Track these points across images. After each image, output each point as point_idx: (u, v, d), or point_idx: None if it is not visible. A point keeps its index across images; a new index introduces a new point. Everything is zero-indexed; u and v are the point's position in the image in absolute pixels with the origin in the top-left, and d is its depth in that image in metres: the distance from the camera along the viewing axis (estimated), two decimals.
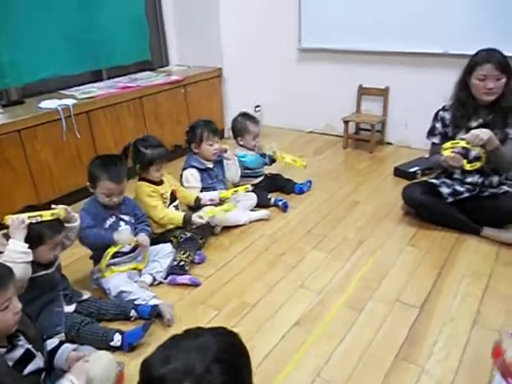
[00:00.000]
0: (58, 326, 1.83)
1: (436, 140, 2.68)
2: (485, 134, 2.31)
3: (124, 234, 2.14)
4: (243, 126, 3.07)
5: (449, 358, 1.78)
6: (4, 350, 1.32)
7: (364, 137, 4.08)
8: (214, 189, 2.80)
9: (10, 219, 1.65)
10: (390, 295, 2.14)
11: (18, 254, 1.61)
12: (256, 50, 4.34)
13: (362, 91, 4.07)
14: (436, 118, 2.69)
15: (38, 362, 1.41)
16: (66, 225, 1.89)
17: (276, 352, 1.84)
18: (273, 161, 3.22)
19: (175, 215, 2.47)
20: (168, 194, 2.53)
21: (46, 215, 1.73)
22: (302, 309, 2.08)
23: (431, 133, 2.71)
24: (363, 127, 4.14)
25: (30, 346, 1.39)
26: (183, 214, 2.49)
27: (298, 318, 2.02)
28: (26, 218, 1.67)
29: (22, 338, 1.38)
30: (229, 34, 4.14)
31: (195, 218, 2.44)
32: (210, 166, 2.83)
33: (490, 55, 2.36)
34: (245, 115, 3.17)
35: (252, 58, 4.35)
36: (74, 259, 2.43)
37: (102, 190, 2.12)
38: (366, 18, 3.77)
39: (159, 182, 2.50)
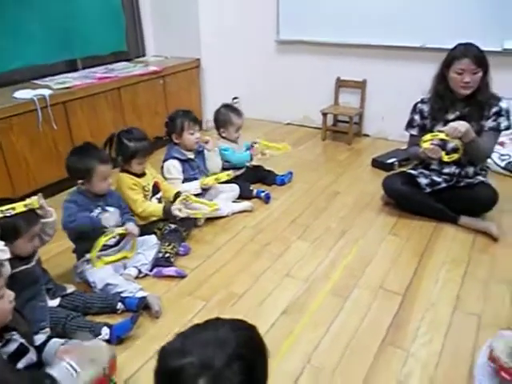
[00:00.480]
0: (42, 322, 1.78)
1: (414, 132, 2.74)
2: (462, 126, 2.37)
3: (112, 216, 2.11)
4: (226, 117, 3.06)
5: (432, 342, 1.84)
6: None
7: (342, 129, 4.13)
8: (196, 179, 2.79)
9: None
10: (373, 283, 2.19)
11: None
12: (234, 41, 4.32)
13: (340, 83, 4.11)
14: (414, 110, 2.75)
15: (31, 356, 1.39)
16: (42, 220, 1.85)
17: (266, 341, 1.86)
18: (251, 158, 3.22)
19: (155, 208, 2.44)
20: (150, 187, 2.50)
21: (19, 207, 1.67)
22: (289, 297, 2.10)
23: (410, 125, 2.77)
24: (341, 119, 4.19)
25: (23, 341, 1.37)
26: (162, 205, 2.46)
27: (285, 307, 2.04)
28: None
29: (14, 332, 1.35)
30: (207, 24, 4.11)
31: (174, 210, 2.41)
32: (192, 156, 2.82)
33: (467, 50, 2.42)
34: (228, 107, 3.16)
35: (230, 49, 4.33)
36: (52, 254, 2.38)
37: (99, 177, 2.09)
38: (345, 10, 3.81)
39: (141, 174, 2.47)
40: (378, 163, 3.49)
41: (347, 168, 3.54)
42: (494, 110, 2.48)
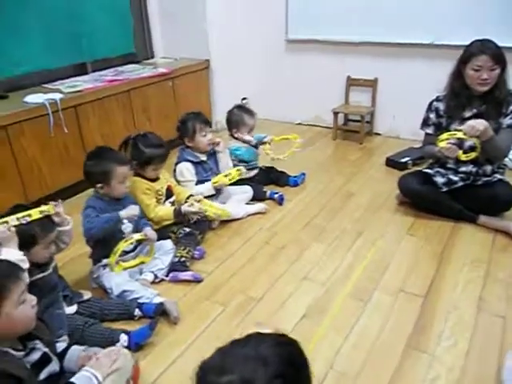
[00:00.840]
0: (60, 329, 1.77)
1: (430, 130, 2.69)
2: (480, 124, 2.33)
3: (131, 211, 2.08)
4: (239, 118, 3.03)
5: (457, 345, 1.80)
6: (22, 353, 1.27)
7: (353, 128, 4.09)
8: (207, 177, 2.75)
9: None
10: (393, 285, 2.15)
11: None
12: (243, 42, 4.29)
13: (351, 82, 4.07)
14: (430, 108, 2.70)
15: (55, 366, 1.36)
16: (59, 228, 1.83)
17: None
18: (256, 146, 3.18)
19: (165, 212, 2.41)
20: (164, 190, 2.48)
21: (35, 214, 1.65)
22: (308, 301, 2.07)
23: (425, 123, 2.73)
24: (352, 118, 4.15)
25: (47, 350, 1.34)
26: (173, 208, 2.44)
27: (305, 311, 2.01)
28: (12, 221, 1.58)
29: (38, 341, 1.33)
30: (216, 25, 4.08)
31: (185, 207, 2.38)
32: (204, 158, 2.79)
33: (484, 46, 2.38)
34: (240, 107, 3.13)
35: (239, 49, 4.30)
36: (68, 259, 2.35)
37: (118, 179, 2.07)
38: (354, 8, 3.77)
39: (155, 179, 2.44)
40: (392, 162, 3.45)
41: (360, 168, 3.50)
42: None
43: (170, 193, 2.53)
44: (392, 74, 3.85)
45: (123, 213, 2.05)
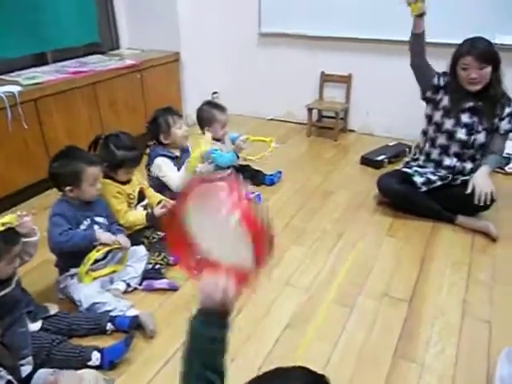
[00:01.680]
0: (24, 350, 1.60)
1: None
2: (487, 187, 2.40)
3: (109, 236, 1.93)
4: (210, 114, 2.89)
5: (445, 352, 1.76)
6: None
7: (327, 124, 4.03)
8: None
9: None
10: (377, 290, 2.10)
11: None
12: (215, 34, 4.14)
13: (325, 78, 4.00)
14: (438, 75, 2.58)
15: None
16: (25, 239, 1.66)
17: (271, 358, 1.74)
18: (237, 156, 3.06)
19: (137, 217, 2.26)
20: (135, 194, 2.32)
21: None
22: (292, 309, 1.98)
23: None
24: (326, 115, 4.08)
25: (10, 377, 1.19)
26: (145, 212, 2.29)
27: (288, 320, 1.92)
28: None
29: (1, 368, 1.17)
30: (186, 16, 3.90)
31: (157, 210, 2.24)
32: (178, 154, 2.64)
33: (472, 46, 2.35)
34: (210, 103, 2.99)
35: (211, 42, 4.13)
36: (29, 268, 2.11)
37: (89, 181, 1.91)
38: (329, 2, 3.68)
39: (126, 181, 2.28)
40: (367, 160, 3.40)
41: (336, 166, 3.44)
42: (508, 110, 2.44)
43: (142, 196, 2.38)
44: (367, 70, 3.80)
45: (101, 236, 1.91)
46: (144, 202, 2.38)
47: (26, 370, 1.43)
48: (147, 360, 1.73)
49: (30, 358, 1.60)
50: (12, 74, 3.14)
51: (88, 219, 1.95)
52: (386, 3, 3.48)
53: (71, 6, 3.50)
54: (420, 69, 2.58)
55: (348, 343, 1.80)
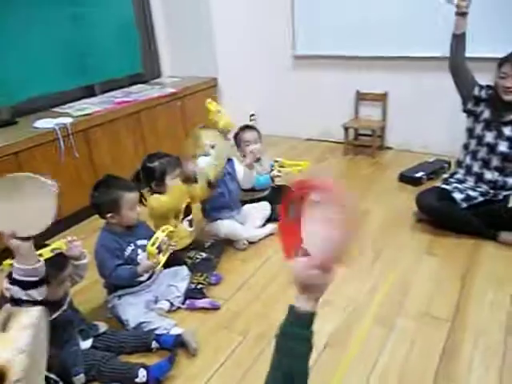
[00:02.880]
0: (76, 367, 1.72)
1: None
2: None
3: (145, 263, 2.04)
4: (238, 135, 2.98)
5: (489, 373, 1.72)
6: None
7: (364, 142, 4.04)
8: (224, 182, 2.68)
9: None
10: (418, 309, 2.08)
11: None
12: (251, 58, 4.28)
13: (360, 97, 4.03)
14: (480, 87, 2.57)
15: None
16: (76, 262, 1.79)
17: (312, 379, 1.76)
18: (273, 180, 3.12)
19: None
20: (182, 207, 2.45)
21: (46, 253, 1.58)
22: (331, 328, 2.00)
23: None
24: (362, 133, 4.10)
25: None
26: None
27: (327, 339, 1.94)
28: None
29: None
30: (223, 42, 4.07)
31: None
32: None
33: (511, 53, 2.36)
34: (241, 127, 3.08)
35: (247, 66, 4.28)
36: (80, 288, 2.22)
37: (128, 206, 2.03)
38: (361, 22, 3.74)
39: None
40: (405, 178, 3.38)
41: (373, 183, 3.44)
42: None
43: (189, 210, 2.50)
44: (403, 87, 3.80)
45: (140, 269, 2.03)
46: (190, 217, 2.50)
47: None
48: (190, 377, 1.80)
49: (82, 375, 1.72)
50: (64, 107, 3.37)
51: (132, 244, 2.07)
52: (416, 20, 3.51)
53: (116, 40, 3.75)
54: (458, 72, 2.56)
55: (388, 364, 1.80)
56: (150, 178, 2.30)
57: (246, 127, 3.06)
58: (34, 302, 1.44)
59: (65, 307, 1.79)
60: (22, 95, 3.17)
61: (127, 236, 2.07)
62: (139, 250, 2.07)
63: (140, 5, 4.03)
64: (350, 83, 4.02)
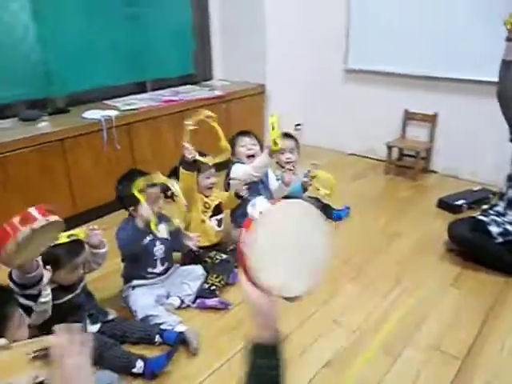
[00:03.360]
0: None
1: None
2: None
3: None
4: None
5: None
6: None
7: (407, 163, 3.92)
8: (258, 190, 2.72)
9: None
10: (429, 342, 1.99)
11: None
12: (300, 68, 4.29)
13: (408, 116, 3.92)
14: None
15: None
16: (94, 250, 1.87)
17: None
18: (305, 189, 3.10)
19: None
20: (212, 205, 2.53)
21: (62, 237, 1.65)
22: (334, 348, 1.96)
23: None
24: (407, 153, 3.98)
25: None
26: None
27: (328, 359, 1.90)
28: None
29: None
30: (274, 50, 4.11)
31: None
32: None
33: None
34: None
35: (296, 75, 4.30)
36: (99, 275, 2.28)
37: (149, 200, 2.06)
38: (415, 41, 3.65)
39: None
40: (444, 204, 3.25)
41: (410, 206, 3.33)
42: None
43: (219, 210, 2.57)
44: (453, 110, 3.66)
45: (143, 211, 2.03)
46: (219, 216, 2.56)
47: None
48: (185, 375, 1.82)
49: None
50: (115, 100, 3.54)
51: (150, 235, 2.13)
52: (472, 42, 3.38)
53: (171, 40, 3.89)
54: (506, 100, 2.44)
55: None
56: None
57: (285, 135, 3.06)
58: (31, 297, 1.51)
59: (78, 291, 1.88)
60: (78, 86, 3.36)
61: (147, 227, 2.12)
62: (157, 242, 2.14)
63: (198, 9, 4.16)
64: (399, 101, 3.92)
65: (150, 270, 2.17)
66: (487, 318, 2.14)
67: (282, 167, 3.02)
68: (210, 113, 2.49)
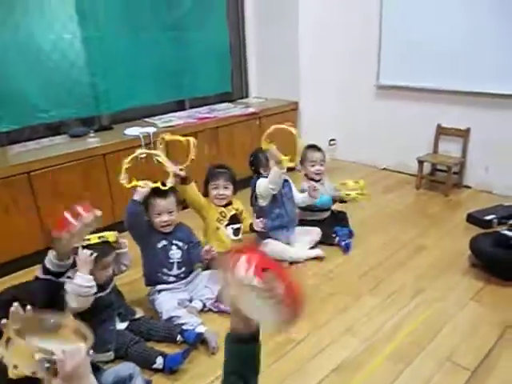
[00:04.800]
0: (109, 344, 1.98)
1: None
2: None
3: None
4: (304, 153, 3.10)
5: None
6: None
7: (439, 178, 3.90)
8: (282, 203, 2.84)
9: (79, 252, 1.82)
10: (441, 352, 2.02)
11: (83, 288, 1.78)
12: (333, 84, 4.40)
13: (441, 131, 3.91)
14: None
15: None
16: (117, 251, 2.05)
17: None
18: (342, 201, 3.17)
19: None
20: (228, 214, 2.65)
21: (94, 239, 1.87)
22: (345, 355, 2.03)
23: None
24: (440, 168, 3.96)
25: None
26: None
27: (338, 364, 1.98)
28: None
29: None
30: (307, 68, 4.25)
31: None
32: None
33: None
34: (308, 146, 3.19)
35: (329, 92, 4.41)
36: (132, 279, 2.50)
37: (154, 211, 2.26)
38: (447, 56, 3.66)
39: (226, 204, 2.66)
40: (473, 219, 3.22)
41: (439, 221, 3.32)
42: None
43: (235, 220, 2.69)
44: (487, 125, 3.63)
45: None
46: (236, 226, 2.69)
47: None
48: (201, 373, 1.96)
49: (111, 353, 1.97)
50: (155, 118, 3.81)
51: (165, 241, 2.30)
52: (506, 57, 3.36)
53: (210, 60, 4.14)
54: None
55: None
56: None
57: (313, 147, 3.18)
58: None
59: (108, 290, 2.07)
60: (122, 105, 3.66)
61: (164, 233, 2.30)
62: (173, 247, 2.30)
63: (236, 31, 4.39)
64: (431, 116, 3.92)
65: (165, 271, 2.31)
66: (504, 333, 2.13)
67: (311, 179, 3.12)
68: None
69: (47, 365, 0.94)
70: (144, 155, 2.37)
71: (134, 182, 2.13)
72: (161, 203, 2.28)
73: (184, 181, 2.49)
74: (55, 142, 3.24)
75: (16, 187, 2.79)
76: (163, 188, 2.28)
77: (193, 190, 2.54)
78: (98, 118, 3.63)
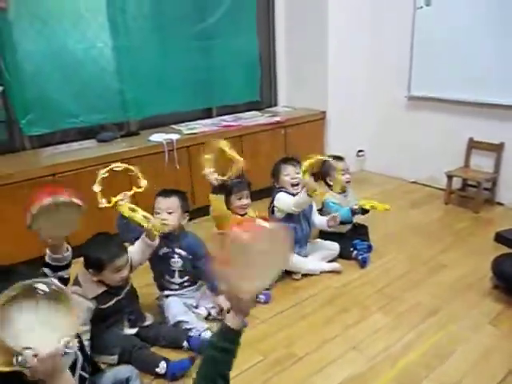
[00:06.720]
0: (114, 348, 2.02)
1: None
2: None
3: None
4: (327, 163, 3.04)
5: None
6: None
7: (470, 194, 3.75)
8: (299, 220, 2.81)
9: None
10: (449, 378, 1.94)
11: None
12: (363, 96, 4.35)
13: (473, 145, 3.77)
14: None
15: None
16: (149, 242, 2.08)
17: None
18: (365, 211, 3.08)
19: None
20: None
21: (137, 214, 1.99)
22: (347, 373, 1.99)
23: None
24: (471, 183, 3.81)
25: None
26: None
27: (339, 382, 1.94)
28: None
29: None
30: (336, 78, 4.21)
31: None
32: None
33: None
34: (333, 156, 3.14)
35: (358, 102, 4.36)
36: (140, 285, 2.42)
37: (154, 210, 2.30)
38: (481, 68, 3.53)
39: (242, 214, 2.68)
40: (502, 238, 3.07)
41: (465, 239, 3.20)
42: None
43: None
44: None
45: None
46: None
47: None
48: None
49: (115, 356, 2.01)
50: (181, 124, 3.88)
51: (167, 248, 2.31)
52: None
53: (239, 69, 4.17)
54: None
55: None
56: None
57: (338, 157, 3.13)
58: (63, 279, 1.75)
59: (121, 296, 2.10)
60: (150, 112, 3.75)
61: (168, 240, 2.31)
62: (175, 255, 2.31)
63: (266, 40, 4.42)
64: (463, 129, 3.79)
65: (167, 278, 2.34)
66: None
67: (341, 191, 3.06)
68: None
69: (21, 360, 1.01)
70: (120, 168, 2.33)
71: (113, 200, 2.12)
72: (161, 201, 2.33)
73: (218, 190, 2.65)
74: (84, 146, 3.37)
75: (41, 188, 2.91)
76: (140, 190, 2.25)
77: (222, 202, 2.69)
78: (127, 123, 3.74)
